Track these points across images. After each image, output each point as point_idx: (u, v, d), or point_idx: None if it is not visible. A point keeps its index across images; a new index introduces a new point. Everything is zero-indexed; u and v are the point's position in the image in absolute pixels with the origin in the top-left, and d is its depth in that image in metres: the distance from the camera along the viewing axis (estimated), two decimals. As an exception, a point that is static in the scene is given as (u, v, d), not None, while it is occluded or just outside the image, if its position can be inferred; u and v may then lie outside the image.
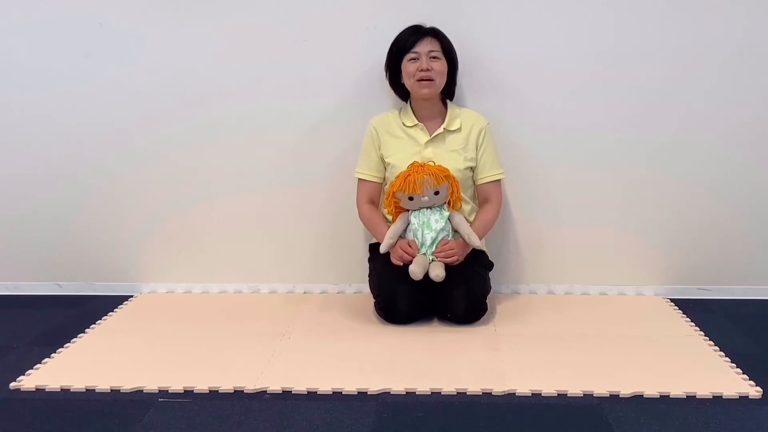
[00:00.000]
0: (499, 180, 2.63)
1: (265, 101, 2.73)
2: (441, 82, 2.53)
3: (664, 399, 1.97)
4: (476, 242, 2.48)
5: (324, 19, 2.66)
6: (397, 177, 2.47)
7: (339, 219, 2.81)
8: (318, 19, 2.66)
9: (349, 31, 2.66)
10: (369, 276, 2.67)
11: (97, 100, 2.74)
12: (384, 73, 2.61)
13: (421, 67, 2.48)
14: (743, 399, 1.98)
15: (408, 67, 2.51)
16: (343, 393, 2.00)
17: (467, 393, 2.00)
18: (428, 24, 2.54)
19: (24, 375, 2.13)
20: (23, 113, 2.76)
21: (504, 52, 2.66)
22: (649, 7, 2.61)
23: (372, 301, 2.60)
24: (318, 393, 2.01)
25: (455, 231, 2.52)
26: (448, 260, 2.44)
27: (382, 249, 2.48)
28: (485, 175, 2.61)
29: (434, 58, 2.49)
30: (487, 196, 2.63)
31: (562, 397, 1.98)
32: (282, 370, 2.14)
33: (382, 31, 2.60)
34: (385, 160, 2.58)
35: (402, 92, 2.62)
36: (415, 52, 2.49)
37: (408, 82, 2.54)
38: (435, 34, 2.52)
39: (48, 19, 2.68)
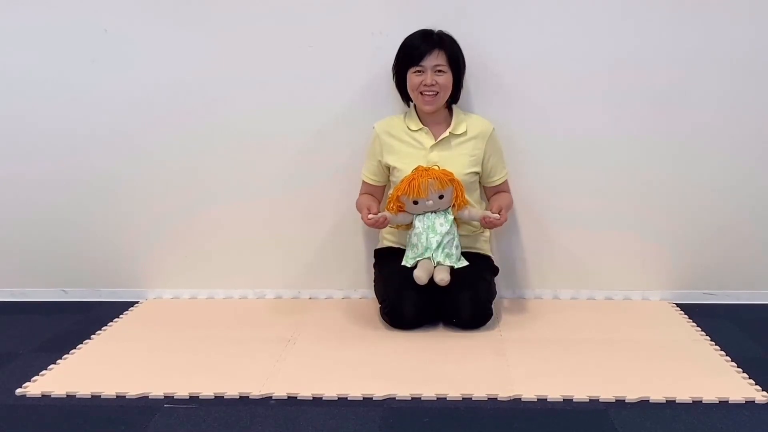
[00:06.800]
0: (507, 179, 2.67)
1: (271, 107, 2.74)
2: (445, 95, 2.54)
3: (671, 404, 1.96)
4: (492, 214, 2.45)
5: (330, 24, 2.66)
6: (402, 181, 2.47)
7: (344, 224, 2.81)
8: (324, 25, 2.66)
9: (355, 37, 2.67)
10: (374, 281, 2.67)
11: (103, 106, 2.75)
12: (391, 77, 2.61)
13: (425, 82, 2.48)
14: (749, 404, 1.97)
15: (413, 79, 2.51)
16: (348, 398, 2.00)
17: (473, 398, 2.00)
18: (435, 29, 2.54)
19: (30, 381, 2.13)
20: (29, 120, 2.77)
21: (510, 56, 2.66)
22: (657, 11, 2.61)
23: (377, 306, 2.59)
24: (323, 399, 2.00)
25: (462, 234, 2.52)
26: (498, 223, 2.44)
27: (362, 212, 2.48)
28: (495, 179, 2.63)
29: (439, 72, 2.49)
30: (499, 191, 2.66)
31: (568, 402, 1.98)
32: (287, 376, 2.14)
33: (388, 37, 2.61)
34: (390, 164, 2.58)
35: (407, 95, 2.62)
36: (421, 66, 2.49)
37: (412, 93, 2.55)
38: (442, 45, 2.50)
39: (54, 26, 2.69)
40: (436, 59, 2.49)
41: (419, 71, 2.50)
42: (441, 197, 2.44)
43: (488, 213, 2.46)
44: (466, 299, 2.45)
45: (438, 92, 2.51)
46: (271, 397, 2.02)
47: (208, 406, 1.97)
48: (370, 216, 2.43)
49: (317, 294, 2.89)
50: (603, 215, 2.77)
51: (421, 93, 2.51)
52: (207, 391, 2.03)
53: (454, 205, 2.47)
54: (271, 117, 2.75)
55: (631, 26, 2.63)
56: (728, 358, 2.25)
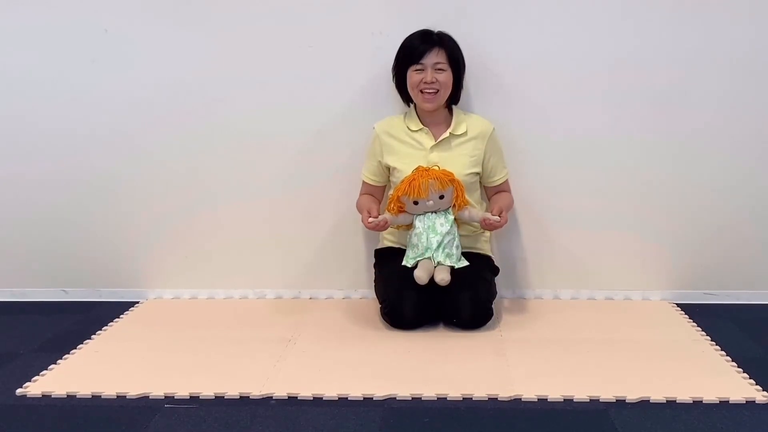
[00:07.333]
0: (507, 179, 2.66)
1: (271, 107, 2.74)
2: (445, 93, 2.53)
3: (671, 404, 1.96)
4: (492, 216, 2.44)
5: (330, 24, 2.66)
6: (402, 181, 2.46)
7: (344, 224, 2.81)
8: (324, 25, 2.66)
9: (355, 37, 2.67)
10: (374, 281, 2.67)
11: (103, 106, 2.75)
12: (390, 77, 2.61)
13: (425, 80, 2.48)
14: (750, 404, 1.97)
15: (413, 77, 2.51)
16: (348, 399, 2.00)
17: (473, 398, 2.00)
18: (435, 29, 2.54)
19: (30, 381, 2.13)
20: (29, 120, 2.77)
21: (510, 56, 2.66)
22: (657, 11, 2.61)
23: (377, 306, 2.60)
24: (324, 399, 2.00)
25: (462, 234, 2.52)
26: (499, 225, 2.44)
27: (363, 215, 2.48)
28: (495, 179, 2.64)
29: (439, 70, 2.49)
30: (499, 191, 2.66)
31: (568, 402, 1.98)
32: (288, 376, 2.14)
33: (388, 37, 2.61)
34: (390, 164, 2.58)
35: (407, 96, 2.62)
36: (421, 64, 2.49)
37: (412, 92, 2.55)
38: (442, 43, 2.51)
39: (54, 26, 2.69)
40: (436, 57, 2.49)
41: (419, 69, 2.50)
42: (441, 197, 2.44)
43: (488, 215, 2.45)
44: (466, 299, 2.45)
45: (438, 90, 2.51)
46: (271, 397, 2.02)
47: (209, 406, 1.97)
48: (371, 219, 2.43)
49: (317, 294, 2.89)
50: (603, 215, 2.77)
51: (421, 91, 2.51)
52: (207, 391, 2.03)
53: (454, 206, 2.47)
54: (271, 117, 2.74)
55: (631, 26, 2.63)
56: (728, 358, 2.25)
